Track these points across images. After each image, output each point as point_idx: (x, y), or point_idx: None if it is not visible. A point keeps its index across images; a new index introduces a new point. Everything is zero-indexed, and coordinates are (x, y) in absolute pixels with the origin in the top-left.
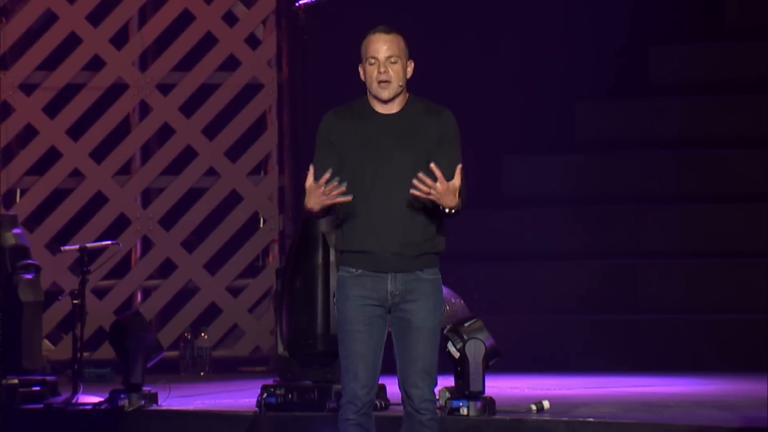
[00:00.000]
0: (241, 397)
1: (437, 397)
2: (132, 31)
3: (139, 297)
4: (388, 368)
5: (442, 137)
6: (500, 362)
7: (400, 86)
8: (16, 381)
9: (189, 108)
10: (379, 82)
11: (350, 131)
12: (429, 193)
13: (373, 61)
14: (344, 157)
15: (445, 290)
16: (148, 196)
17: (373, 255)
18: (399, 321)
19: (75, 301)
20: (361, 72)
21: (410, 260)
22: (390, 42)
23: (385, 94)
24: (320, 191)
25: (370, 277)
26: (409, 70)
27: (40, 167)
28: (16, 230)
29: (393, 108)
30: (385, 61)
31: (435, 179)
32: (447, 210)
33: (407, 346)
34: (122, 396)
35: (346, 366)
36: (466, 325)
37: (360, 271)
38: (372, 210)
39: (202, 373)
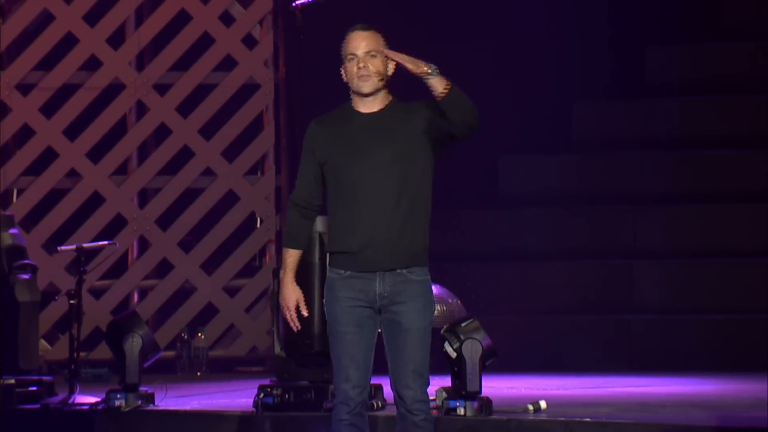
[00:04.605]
0: (237, 397)
1: (433, 397)
2: (129, 31)
3: (135, 297)
4: (384, 368)
5: (426, 108)
6: (497, 362)
7: (381, 80)
8: (12, 381)
9: (186, 108)
10: (359, 76)
11: (332, 136)
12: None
13: (352, 57)
14: (328, 162)
15: (442, 290)
16: (144, 196)
17: (357, 254)
18: (389, 323)
19: (72, 301)
20: (343, 73)
21: (394, 258)
22: (368, 38)
23: (366, 88)
24: (290, 313)
25: (359, 278)
26: (391, 67)
27: (37, 167)
28: (13, 230)
29: (375, 107)
30: (364, 56)
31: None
32: (435, 94)
33: (398, 348)
34: (119, 396)
35: (337, 367)
36: (462, 325)
37: (348, 272)
38: (357, 210)
39: (198, 373)
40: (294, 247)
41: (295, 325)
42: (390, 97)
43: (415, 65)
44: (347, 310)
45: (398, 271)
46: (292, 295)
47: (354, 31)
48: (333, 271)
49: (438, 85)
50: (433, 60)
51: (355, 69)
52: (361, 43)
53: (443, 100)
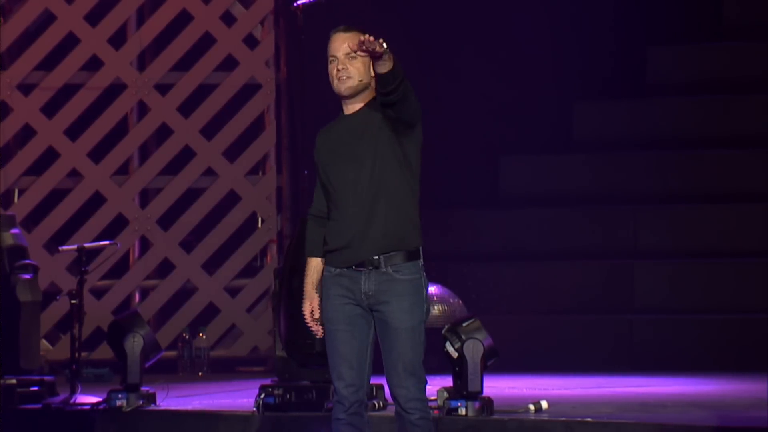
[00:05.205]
0: (239, 397)
1: (434, 397)
2: (130, 31)
3: (137, 297)
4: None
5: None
6: (498, 362)
7: (361, 81)
8: (14, 381)
9: (187, 108)
10: (339, 78)
11: (325, 144)
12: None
13: (332, 59)
14: (321, 168)
15: (444, 290)
16: (146, 196)
17: (342, 251)
18: (379, 322)
19: (73, 301)
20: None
21: (370, 247)
22: (349, 39)
23: (344, 89)
24: (312, 321)
25: (347, 276)
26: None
27: (38, 167)
28: (14, 230)
29: (356, 107)
30: (344, 58)
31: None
32: (382, 70)
33: (388, 347)
34: (120, 396)
35: (331, 366)
36: (464, 325)
37: (338, 270)
38: (342, 210)
39: (200, 373)
40: (313, 256)
41: (314, 330)
42: (371, 96)
43: (382, 48)
44: (338, 308)
45: (384, 269)
46: (306, 301)
47: (336, 32)
48: (326, 269)
49: (389, 60)
50: (434, 60)
51: (335, 71)
52: (341, 45)
53: (389, 72)
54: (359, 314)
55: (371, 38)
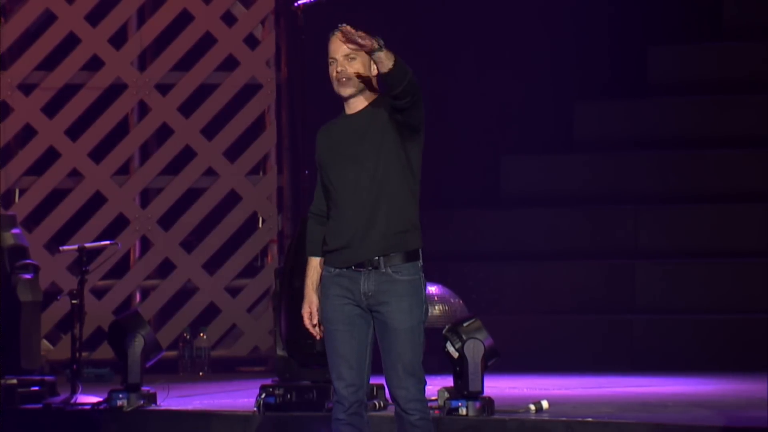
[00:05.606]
0: (239, 397)
1: (435, 397)
2: (131, 31)
3: (137, 297)
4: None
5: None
6: (499, 362)
7: (360, 82)
8: (14, 381)
9: (188, 108)
10: (338, 80)
11: (325, 143)
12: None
13: (332, 60)
14: (321, 167)
15: (444, 290)
16: (146, 196)
17: (341, 251)
18: (378, 323)
19: (74, 301)
20: None
21: (370, 247)
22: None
23: (345, 91)
24: (309, 324)
25: (347, 276)
26: (374, 67)
27: (39, 167)
28: (15, 230)
29: (358, 107)
30: (343, 59)
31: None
32: (381, 69)
33: (388, 348)
34: (121, 396)
35: (331, 366)
36: (464, 325)
37: (337, 270)
38: (341, 209)
39: (200, 373)
40: (313, 256)
41: (312, 333)
42: (374, 96)
43: (370, 41)
44: (337, 308)
45: (383, 270)
46: (305, 304)
47: (334, 34)
48: (325, 269)
49: (386, 59)
50: (435, 60)
51: (334, 73)
52: (340, 47)
53: (390, 73)
54: (358, 314)
55: (351, 29)
